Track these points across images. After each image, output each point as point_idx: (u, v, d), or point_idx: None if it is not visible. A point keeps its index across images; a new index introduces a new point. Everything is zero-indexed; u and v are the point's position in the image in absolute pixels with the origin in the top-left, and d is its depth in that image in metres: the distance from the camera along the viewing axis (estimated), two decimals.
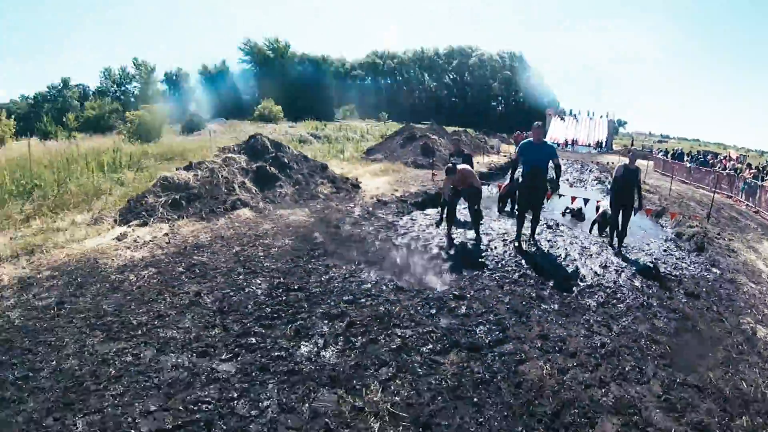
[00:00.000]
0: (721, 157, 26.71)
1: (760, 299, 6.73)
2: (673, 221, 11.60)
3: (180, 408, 3.22)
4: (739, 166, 21.55)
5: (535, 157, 7.60)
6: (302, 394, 3.46)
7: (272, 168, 10.79)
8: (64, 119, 35.05)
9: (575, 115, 59.77)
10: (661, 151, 35.42)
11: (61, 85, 61.57)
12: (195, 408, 3.23)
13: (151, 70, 64.76)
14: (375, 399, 3.44)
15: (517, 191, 8.23)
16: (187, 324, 4.39)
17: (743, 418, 3.70)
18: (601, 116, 57.77)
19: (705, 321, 5.58)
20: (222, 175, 9.60)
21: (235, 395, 3.39)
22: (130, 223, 7.44)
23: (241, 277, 5.63)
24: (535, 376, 3.94)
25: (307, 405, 3.34)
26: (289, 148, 12.62)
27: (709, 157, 27.35)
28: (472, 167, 9.73)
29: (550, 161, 7.70)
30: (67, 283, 5.18)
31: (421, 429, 3.19)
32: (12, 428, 2.95)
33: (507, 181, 11.00)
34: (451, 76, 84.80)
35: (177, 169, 9.59)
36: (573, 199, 11.14)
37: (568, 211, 11.40)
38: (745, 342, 5.15)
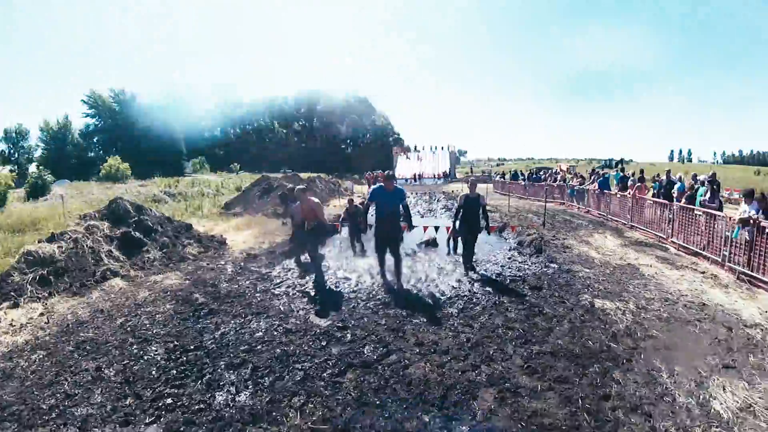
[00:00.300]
0: (553, 171, 30.42)
1: (594, 279, 8.35)
2: (514, 233, 13.31)
3: None
4: (568, 176, 24.95)
5: (387, 202, 8.00)
6: None
7: (137, 233, 10.48)
8: None
9: (419, 151, 64.45)
10: (498, 174, 39.50)
11: None
12: None
13: None
14: (296, 423, 3.95)
15: (375, 234, 8.35)
16: (98, 399, 4.45)
17: (595, 366, 4.92)
18: (443, 148, 63.10)
19: (549, 305, 6.91)
20: (87, 245, 9.18)
21: None
22: (0, 306, 6.98)
23: (135, 346, 5.65)
24: (420, 374, 4.75)
25: None
26: (150, 210, 12.27)
27: (541, 173, 30.97)
28: None
29: (401, 204, 8.17)
30: None
31: None
32: None
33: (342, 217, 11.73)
34: (301, 123, 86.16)
35: (39, 242, 8.99)
36: (425, 228, 11.97)
37: (422, 242, 11.94)
38: (586, 313, 6.56)
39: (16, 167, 52.94)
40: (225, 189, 33.88)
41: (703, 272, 9.07)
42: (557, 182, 24.88)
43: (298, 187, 8.58)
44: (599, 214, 17.64)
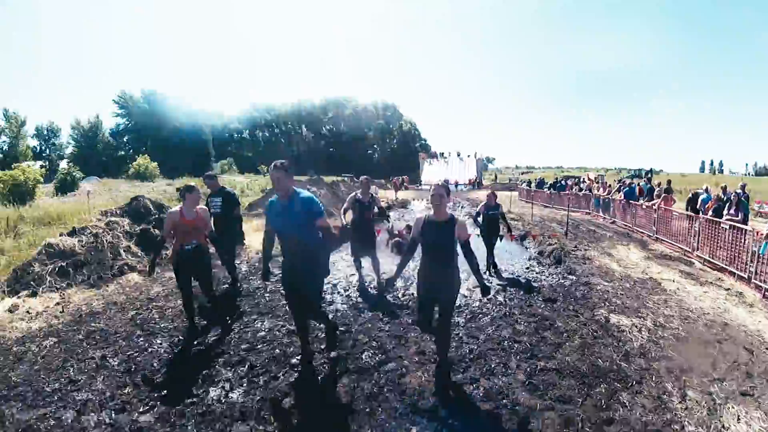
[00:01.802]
0: (580, 180, 29.97)
1: (612, 293, 7.97)
2: (535, 242, 13.10)
3: None
4: (595, 185, 24.53)
5: (284, 223, 4.44)
6: (218, 429, 3.87)
7: (156, 230, 10.69)
8: None
9: (446, 157, 64.11)
10: (524, 182, 38.98)
11: None
12: None
13: (22, 123, 58.95)
14: (283, 424, 3.94)
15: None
16: (99, 386, 4.57)
17: (602, 386, 4.64)
18: (469, 156, 62.63)
19: (562, 318, 6.60)
20: (107, 240, 9.39)
21: None
22: (20, 294, 7.22)
23: (141, 339, 5.76)
24: (416, 384, 4.64)
25: None
26: (171, 208, 12.53)
27: (569, 182, 30.56)
28: (234, 213, 8.12)
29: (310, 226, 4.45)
30: None
31: None
32: None
33: None
34: (328, 127, 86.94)
35: (61, 235, 9.24)
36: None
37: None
38: (600, 329, 6.22)
39: (47, 163, 54.81)
40: (250, 190, 34.13)
41: (728, 289, 8.65)
42: (583, 191, 24.44)
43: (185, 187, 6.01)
44: (624, 225, 17.24)
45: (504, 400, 4.37)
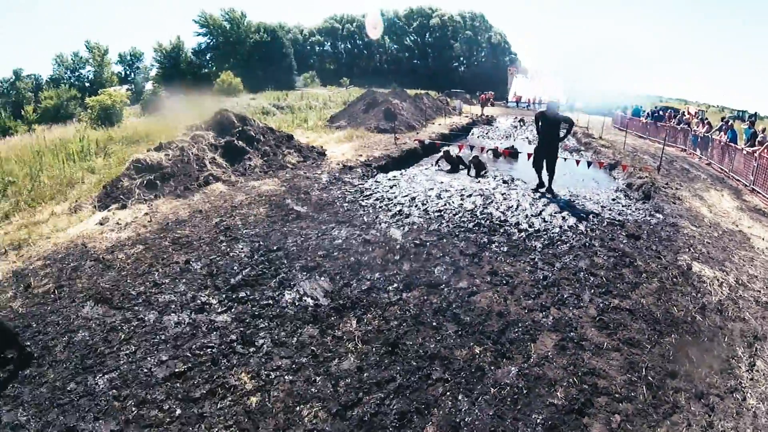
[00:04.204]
0: (679, 113, 27.47)
1: (699, 239, 7.33)
2: (624, 173, 12.31)
3: (188, 354, 3.71)
4: (695, 120, 22.32)
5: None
6: (290, 331, 4.06)
7: (240, 142, 10.98)
8: (22, 113, 34.68)
9: (537, 74, 59.97)
10: (619, 107, 36.21)
11: (13, 77, 56.95)
12: (201, 353, 3.74)
13: (105, 52, 62.10)
14: (351, 329, 4.06)
15: None
16: (181, 288, 4.84)
17: (672, 336, 4.33)
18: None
19: (643, 258, 6.19)
20: (192, 153, 9.79)
21: (234, 338, 3.93)
22: (110, 208, 7.61)
23: (224, 244, 6.03)
24: (484, 304, 4.61)
25: (295, 339, 3.94)
26: (254, 120, 12.80)
27: (668, 113, 28.15)
28: None
29: None
30: (61, 269, 5.34)
31: (389, 347, 3.83)
32: (39, 399, 3.26)
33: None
34: (413, 38, 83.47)
35: (148, 150, 9.72)
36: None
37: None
38: (680, 275, 5.75)
39: (133, 86, 57.39)
40: (332, 102, 34.43)
41: None
42: (681, 125, 22.37)
43: None
44: (720, 168, 15.65)
45: (571, 333, 4.23)
